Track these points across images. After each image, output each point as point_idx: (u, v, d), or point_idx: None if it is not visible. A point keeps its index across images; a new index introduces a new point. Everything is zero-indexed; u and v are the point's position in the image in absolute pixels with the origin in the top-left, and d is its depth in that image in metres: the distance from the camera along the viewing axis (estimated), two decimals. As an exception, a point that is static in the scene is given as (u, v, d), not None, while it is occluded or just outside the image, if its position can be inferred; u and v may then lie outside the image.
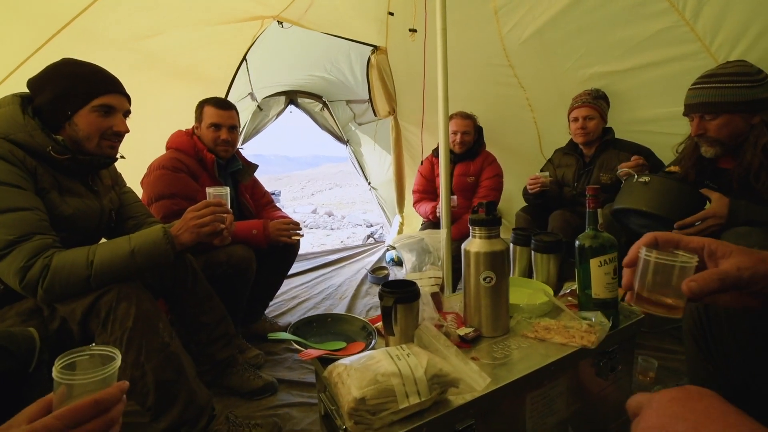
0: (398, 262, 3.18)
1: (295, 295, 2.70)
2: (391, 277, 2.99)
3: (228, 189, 1.32)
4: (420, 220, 3.04)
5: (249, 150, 4.69)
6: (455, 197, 2.52)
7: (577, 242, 1.11)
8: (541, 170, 2.25)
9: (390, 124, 3.33)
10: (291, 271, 2.66)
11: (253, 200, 2.17)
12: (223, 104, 1.91)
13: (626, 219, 1.61)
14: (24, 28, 1.53)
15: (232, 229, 1.31)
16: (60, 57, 1.19)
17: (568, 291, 1.29)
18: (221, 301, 1.55)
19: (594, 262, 1.07)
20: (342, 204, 11.67)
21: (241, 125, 3.55)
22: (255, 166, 2.15)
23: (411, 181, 3.06)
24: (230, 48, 2.31)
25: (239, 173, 2.05)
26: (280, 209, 2.25)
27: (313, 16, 2.35)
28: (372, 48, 2.80)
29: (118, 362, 0.52)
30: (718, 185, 1.46)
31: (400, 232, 3.81)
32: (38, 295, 1.03)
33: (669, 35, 1.78)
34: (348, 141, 4.22)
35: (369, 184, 4.35)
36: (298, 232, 1.90)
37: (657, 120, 2.13)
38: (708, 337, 0.80)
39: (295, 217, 7.09)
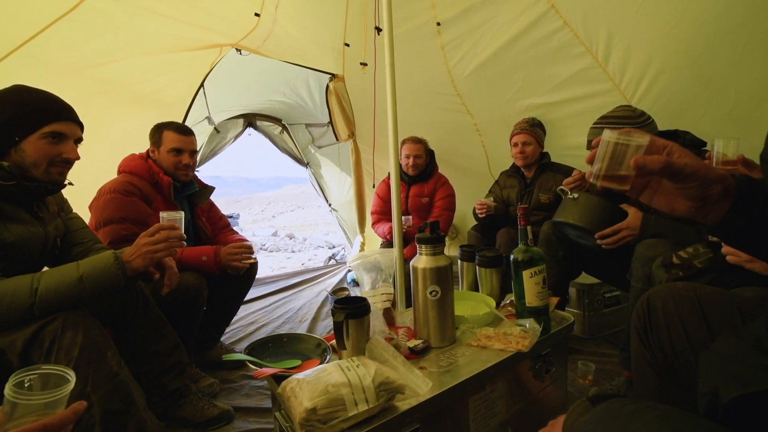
0: (359, 283, 3.23)
1: (253, 321, 2.66)
2: (361, 287, 3.02)
3: (183, 213, 1.32)
4: (380, 240, 3.13)
5: (206, 171, 4.59)
6: (410, 218, 2.64)
7: (512, 256, 1.23)
8: (487, 195, 2.46)
9: (350, 147, 3.44)
10: (249, 297, 2.63)
11: (210, 223, 2.15)
12: (184, 130, 1.92)
13: (564, 230, 1.80)
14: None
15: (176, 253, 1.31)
16: (7, 83, 1.18)
17: (508, 302, 1.41)
18: (173, 328, 1.53)
19: (526, 274, 1.20)
20: (304, 226, 11.55)
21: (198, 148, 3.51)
22: (211, 189, 2.15)
23: (371, 202, 3.16)
24: (188, 74, 2.34)
25: (195, 196, 2.04)
26: (237, 232, 2.25)
27: (271, 45, 2.44)
28: (330, 75, 2.93)
29: (72, 384, 0.53)
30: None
31: (361, 251, 3.87)
32: None
33: (587, 75, 2.06)
34: (308, 163, 4.28)
35: (330, 205, 4.40)
36: (250, 256, 1.88)
37: (583, 146, 2.41)
38: (648, 332, 0.92)
39: (255, 240, 6.94)
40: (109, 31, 1.78)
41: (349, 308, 0.99)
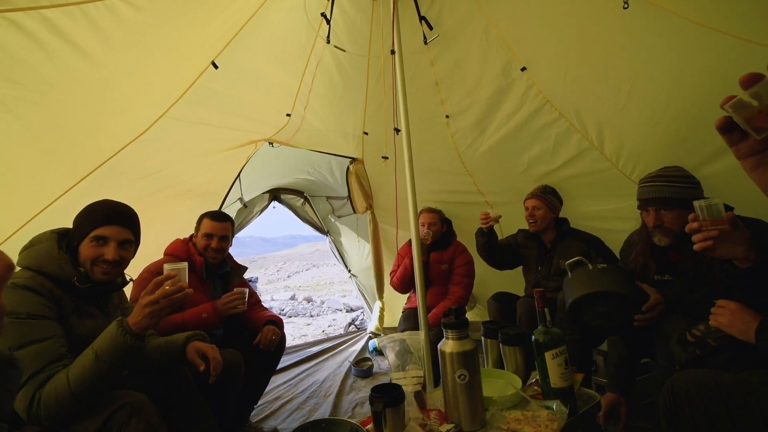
0: (381, 352, 3.24)
1: (278, 395, 2.68)
2: (375, 368, 3.03)
3: (185, 264, 1.32)
4: (401, 306, 3.20)
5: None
6: (430, 232, 2.78)
7: (533, 337, 1.32)
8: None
9: (368, 218, 3.66)
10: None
11: (244, 301, 2.30)
12: (218, 217, 2.17)
13: (585, 309, 1.64)
14: (59, 169, 1.79)
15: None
16: (99, 192, 1.43)
17: (533, 380, 1.46)
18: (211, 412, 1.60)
19: (548, 355, 1.28)
20: (320, 285, 11.58)
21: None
22: (244, 269, 2.35)
23: (389, 269, 3.29)
24: (228, 168, 2.66)
25: (228, 275, 2.24)
26: (267, 309, 2.38)
27: (299, 137, 2.78)
28: (351, 159, 3.24)
29: None
30: (673, 276, 1.61)
31: (380, 318, 3.91)
32: (42, 423, 1.10)
33: (587, 156, 2.27)
34: (328, 231, 4.50)
35: (349, 271, 4.53)
36: (243, 301, 1.97)
37: (597, 215, 2.55)
38: (676, 421, 0.96)
39: (274, 305, 6.98)
40: (169, 145, 2.11)
41: (386, 397, 1.08)
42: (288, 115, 2.54)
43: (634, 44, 1.75)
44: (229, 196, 2.87)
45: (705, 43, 1.55)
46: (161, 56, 1.75)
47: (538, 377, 1.43)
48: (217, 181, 2.65)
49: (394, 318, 3.72)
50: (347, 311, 5.91)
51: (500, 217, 2.47)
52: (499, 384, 1.43)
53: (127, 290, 1.64)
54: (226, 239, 2.18)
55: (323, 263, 16.98)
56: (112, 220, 1.37)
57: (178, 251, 2.07)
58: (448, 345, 1.26)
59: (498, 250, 2.57)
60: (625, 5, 1.55)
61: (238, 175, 2.74)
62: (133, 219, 1.44)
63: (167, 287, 1.21)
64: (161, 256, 2.07)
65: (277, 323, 2.16)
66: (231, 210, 3.59)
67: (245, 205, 3.91)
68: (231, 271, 2.23)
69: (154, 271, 1.88)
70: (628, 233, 1.84)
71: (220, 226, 2.14)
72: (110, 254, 1.33)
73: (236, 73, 2.12)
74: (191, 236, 2.15)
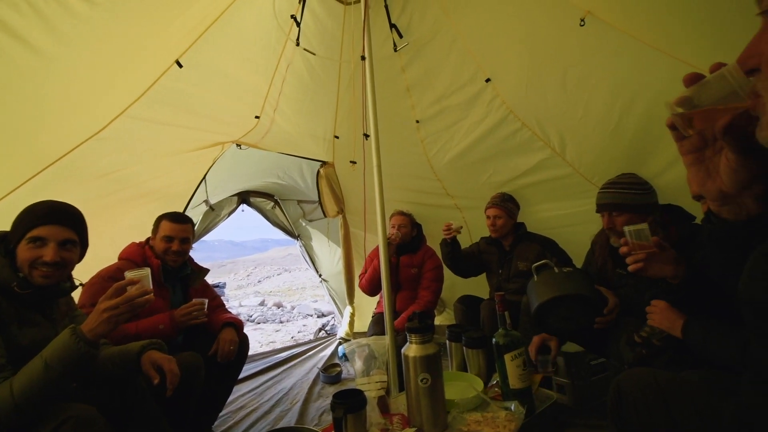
0: (353, 369, 3.22)
1: (243, 405, 2.59)
2: (344, 374, 3.00)
3: (148, 270, 1.29)
4: (371, 311, 3.19)
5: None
6: (399, 234, 2.80)
7: (493, 340, 1.36)
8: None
9: (339, 222, 3.64)
10: (240, 375, 2.60)
11: (204, 304, 2.23)
12: (178, 218, 2.08)
13: (550, 313, 1.72)
14: (2, 170, 1.67)
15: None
16: (48, 192, 1.34)
17: (494, 382, 1.50)
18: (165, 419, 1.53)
19: (507, 357, 1.32)
20: (291, 290, 11.38)
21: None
22: (206, 271, 2.26)
23: (360, 273, 3.28)
24: (193, 169, 2.58)
25: (189, 278, 2.14)
26: (229, 311, 2.31)
27: (268, 140, 2.73)
28: (321, 162, 3.22)
29: None
30: (626, 270, 1.67)
31: (350, 323, 3.89)
32: None
33: (549, 162, 2.37)
34: (299, 236, 4.44)
35: (320, 276, 4.49)
36: (203, 311, 1.89)
37: (556, 218, 2.66)
38: (621, 418, 1.02)
39: (242, 311, 6.77)
40: (128, 145, 2.02)
41: (347, 403, 1.07)
42: (257, 117, 2.50)
43: (589, 60, 1.85)
44: (194, 198, 2.77)
45: (652, 61, 1.67)
46: (120, 53, 1.68)
47: (498, 379, 1.48)
48: (181, 183, 2.56)
49: (364, 323, 3.71)
50: (318, 316, 5.83)
51: (462, 227, 2.57)
52: (461, 386, 1.46)
53: (76, 295, 1.55)
54: (188, 241, 2.10)
55: (295, 268, 16.71)
56: (51, 220, 1.29)
57: (133, 255, 1.97)
58: (411, 349, 1.28)
59: (462, 259, 2.66)
60: (582, 23, 1.64)
61: (204, 177, 2.66)
62: (75, 218, 1.35)
63: (132, 291, 1.18)
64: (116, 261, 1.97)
65: (236, 326, 2.08)
66: (197, 212, 3.48)
67: (212, 208, 3.79)
68: (191, 274, 2.14)
69: (106, 276, 1.79)
70: (591, 235, 1.98)
71: (181, 228, 2.05)
72: (49, 255, 1.25)
73: (202, 72, 2.06)
74: (148, 239, 2.06)
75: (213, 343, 1.99)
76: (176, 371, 1.43)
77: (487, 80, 2.24)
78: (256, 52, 2.18)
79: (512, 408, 1.27)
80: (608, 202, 1.70)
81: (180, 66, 1.91)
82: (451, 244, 2.59)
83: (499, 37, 2.06)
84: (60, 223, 1.30)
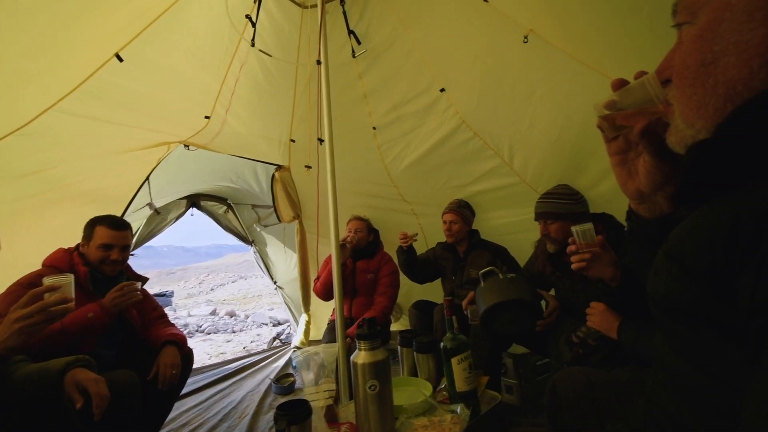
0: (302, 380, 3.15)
1: (187, 421, 2.43)
2: (298, 384, 2.92)
3: (71, 277, 1.20)
4: (327, 318, 3.14)
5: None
6: (355, 237, 2.78)
7: (441, 344, 1.39)
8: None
9: (295, 227, 3.56)
10: (183, 390, 2.44)
11: (141, 315, 2.07)
12: (117, 225, 1.92)
13: (496, 317, 1.78)
14: None
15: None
16: None
17: (443, 386, 1.53)
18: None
19: (454, 361, 1.35)
20: (247, 298, 10.95)
21: (133, 233, 3.42)
22: (144, 280, 2.09)
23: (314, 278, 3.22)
24: (134, 171, 2.40)
25: None
26: (173, 325, 2.16)
27: (220, 142, 2.62)
28: (276, 166, 3.14)
29: None
30: (562, 273, 1.90)
31: (306, 331, 3.80)
32: None
33: (498, 171, 2.48)
34: (253, 241, 4.29)
35: (275, 283, 4.35)
36: (135, 289, 1.75)
37: (507, 224, 2.78)
38: (556, 415, 1.06)
39: (191, 321, 6.41)
40: (59, 142, 1.84)
41: (290, 414, 1.04)
42: (207, 117, 2.39)
43: (534, 75, 1.97)
44: (136, 201, 2.59)
45: (588, 79, 1.81)
46: (49, 43, 1.53)
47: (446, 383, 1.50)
48: (121, 185, 2.37)
49: (320, 331, 3.64)
50: (274, 325, 5.64)
51: (417, 235, 2.64)
52: (410, 392, 1.47)
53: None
54: (128, 248, 1.95)
55: (252, 275, 16.09)
56: None
57: (58, 262, 1.78)
58: (360, 356, 1.27)
59: (418, 266, 2.71)
60: (525, 40, 1.75)
61: (147, 178, 2.49)
62: None
63: (50, 299, 1.07)
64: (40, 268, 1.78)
65: (178, 343, 1.94)
66: (139, 216, 3.25)
67: (157, 212, 3.56)
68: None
69: (25, 284, 1.61)
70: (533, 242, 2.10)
71: (121, 235, 1.90)
72: None
73: (146, 68, 1.94)
74: (78, 245, 1.88)
75: (151, 359, 1.85)
76: (104, 393, 1.30)
77: (442, 90, 2.31)
78: (206, 51, 2.10)
79: (458, 411, 1.29)
80: (543, 211, 1.86)
81: (120, 60, 1.79)
82: (407, 251, 2.64)
83: (453, 50, 2.14)
84: None
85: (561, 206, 1.83)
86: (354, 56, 2.32)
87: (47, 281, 1.15)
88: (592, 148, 2.04)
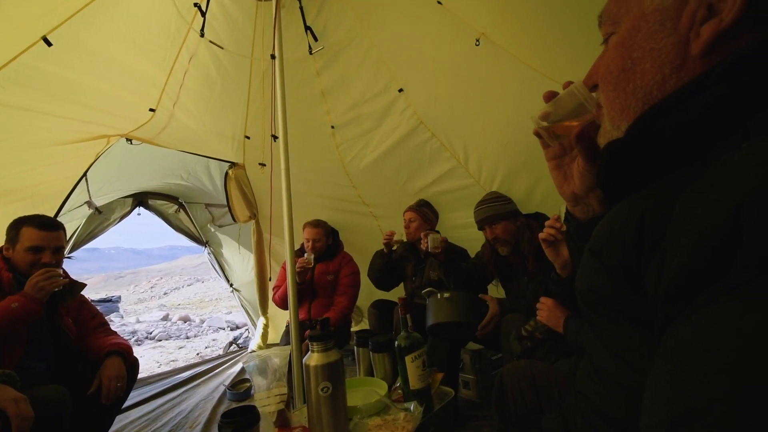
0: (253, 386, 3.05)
1: (131, 434, 2.29)
2: (253, 390, 2.82)
3: None
4: (285, 320, 3.06)
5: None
6: (312, 257, 2.68)
7: (396, 343, 1.38)
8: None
9: (252, 228, 3.43)
10: (127, 403, 2.27)
11: (79, 324, 1.91)
12: (47, 225, 1.75)
13: (439, 330, 2.00)
14: None
15: None
16: None
17: (398, 384, 1.53)
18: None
19: (408, 359, 1.35)
20: (204, 302, 10.49)
21: (71, 232, 3.15)
22: (81, 285, 1.91)
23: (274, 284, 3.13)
24: (68, 166, 2.19)
25: (58, 293, 1.78)
26: (114, 333, 2.01)
27: (167, 136, 2.47)
28: (230, 163, 3.01)
29: None
30: (508, 273, 2.08)
31: (264, 334, 3.68)
32: None
33: (455, 173, 2.54)
34: (207, 242, 4.09)
35: (231, 285, 4.19)
36: (58, 274, 1.64)
37: (462, 226, 2.84)
38: (503, 407, 1.09)
39: (139, 328, 6.05)
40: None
41: (235, 422, 0.99)
42: (152, 110, 2.24)
43: (487, 78, 2.03)
44: (72, 199, 2.37)
45: (537, 83, 1.89)
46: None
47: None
48: (53, 182, 2.16)
49: (278, 334, 3.54)
50: (232, 329, 5.43)
51: (400, 241, 2.58)
52: (365, 392, 1.46)
53: None
54: (61, 251, 1.78)
55: (209, 277, 15.40)
56: None
57: None
58: (312, 358, 1.24)
59: (393, 272, 2.68)
60: (477, 43, 1.79)
61: (84, 174, 2.29)
62: None
63: None
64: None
65: (123, 353, 1.82)
66: (76, 215, 2.99)
67: (98, 211, 3.30)
68: (62, 290, 1.79)
69: None
70: None
71: (53, 236, 1.73)
72: None
73: (80, 54, 1.79)
74: (2, 248, 1.70)
75: (90, 370, 1.71)
76: (26, 414, 1.19)
77: (400, 90, 2.32)
78: (150, 39, 1.97)
79: (411, 408, 1.30)
80: (484, 217, 2.03)
81: (49, 44, 1.63)
82: (388, 255, 2.61)
83: (410, 50, 2.16)
84: None
85: (498, 208, 2.01)
86: (311, 53, 2.28)
87: None
88: (537, 153, 2.14)
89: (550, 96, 0.67)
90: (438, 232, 2.56)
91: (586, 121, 0.62)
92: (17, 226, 1.70)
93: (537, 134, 0.72)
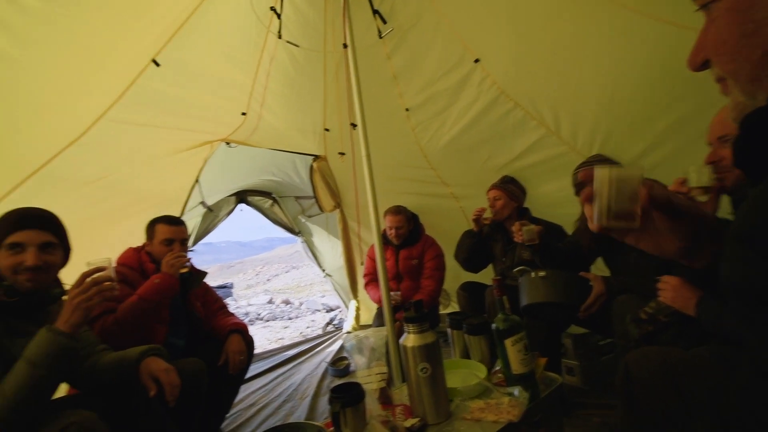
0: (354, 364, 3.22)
1: (253, 402, 2.61)
2: (352, 367, 3.01)
3: (110, 258, 1.28)
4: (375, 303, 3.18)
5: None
6: (399, 293, 2.72)
7: (493, 325, 1.33)
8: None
9: (337, 216, 3.61)
10: (247, 375, 2.61)
11: (205, 307, 2.22)
12: (174, 221, 2.07)
13: (537, 310, 1.86)
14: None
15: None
16: (34, 203, 1.32)
17: (498, 368, 1.47)
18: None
19: (508, 343, 1.28)
20: (300, 287, 11.43)
21: (191, 230, 3.66)
22: (204, 274, 2.24)
23: (362, 268, 3.26)
24: (184, 171, 2.55)
25: (188, 281, 2.12)
26: (232, 314, 2.30)
27: (257, 136, 2.69)
28: (313, 156, 3.17)
29: None
30: (611, 248, 1.86)
31: (356, 316, 3.89)
32: None
33: (545, 142, 2.31)
34: (299, 232, 4.43)
35: (324, 271, 4.48)
36: (182, 258, 1.91)
37: (555, 201, 2.59)
38: (631, 400, 0.98)
39: (251, 310, 6.80)
40: (112, 149, 1.99)
41: (345, 397, 1.05)
42: (243, 113, 2.45)
43: (578, 32, 1.78)
44: (190, 201, 2.75)
45: (643, 29, 1.60)
46: (90, 54, 1.63)
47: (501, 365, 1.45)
48: (174, 187, 2.53)
49: (370, 315, 3.70)
50: (327, 311, 5.85)
51: (490, 218, 2.41)
52: (464, 374, 1.44)
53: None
54: (186, 242, 2.10)
55: (303, 264, 16.74)
56: (26, 225, 1.28)
57: (129, 261, 1.97)
58: (409, 339, 1.25)
59: (484, 253, 2.55)
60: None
61: (197, 178, 2.63)
62: (50, 221, 1.34)
63: (99, 275, 1.19)
64: (114, 267, 1.96)
65: (242, 331, 2.08)
66: (195, 214, 3.46)
67: (210, 209, 3.78)
68: (189, 277, 2.13)
69: None
70: None
71: (179, 230, 2.05)
72: (30, 260, 1.24)
73: (182, 71, 2.02)
74: (144, 245, 2.04)
75: (216, 347, 1.99)
76: (175, 382, 1.41)
77: (476, 60, 2.17)
78: (235, 47, 2.13)
79: (516, 393, 1.24)
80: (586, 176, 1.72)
81: (157, 65, 1.87)
82: (477, 234, 2.47)
83: (484, 16, 1.99)
84: (35, 227, 1.29)
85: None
86: (381, 36, 2.25)
87: (90, 262, 1.24)
88: (650, 111, 1.83)
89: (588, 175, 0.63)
90: (530, 220, 2.35)
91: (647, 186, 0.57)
92: (152, 224, 2.04)
93: (604, 230, 0.64)
